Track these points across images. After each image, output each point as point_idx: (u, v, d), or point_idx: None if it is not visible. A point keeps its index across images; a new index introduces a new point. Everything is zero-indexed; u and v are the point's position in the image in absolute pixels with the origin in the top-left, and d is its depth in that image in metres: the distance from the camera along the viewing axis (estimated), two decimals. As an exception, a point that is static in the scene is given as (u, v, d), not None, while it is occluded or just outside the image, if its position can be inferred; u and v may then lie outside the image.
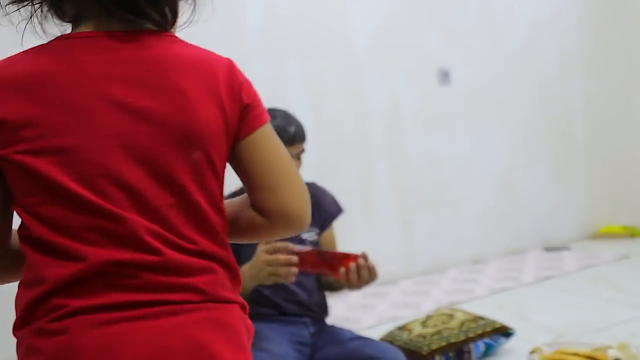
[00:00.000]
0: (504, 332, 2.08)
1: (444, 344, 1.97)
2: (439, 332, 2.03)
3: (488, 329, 2.05)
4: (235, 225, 0.76)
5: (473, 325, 2.06)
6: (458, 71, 3.56)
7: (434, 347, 1.96)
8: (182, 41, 0.73)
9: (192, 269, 0.67)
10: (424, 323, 2.14)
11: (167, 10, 0.70)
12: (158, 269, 0.65)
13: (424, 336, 2.02)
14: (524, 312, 2.53)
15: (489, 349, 2.03)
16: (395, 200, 3.38)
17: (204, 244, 0.69)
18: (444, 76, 3.51)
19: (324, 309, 1.90)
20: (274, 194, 0.74)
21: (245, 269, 1.55)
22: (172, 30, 0.74)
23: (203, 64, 0.72)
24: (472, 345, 1.99)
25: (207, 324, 0.67)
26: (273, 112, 1.75)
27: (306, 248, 1.51)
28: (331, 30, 3.18)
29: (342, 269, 1.53)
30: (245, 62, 3.32)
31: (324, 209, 1.88)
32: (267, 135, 0.76)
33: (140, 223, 0.65)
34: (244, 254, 1.71)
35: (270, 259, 1.47)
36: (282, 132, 1.69)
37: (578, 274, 3.13)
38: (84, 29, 0.68)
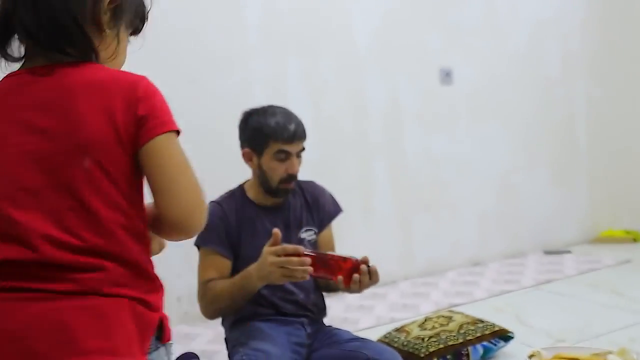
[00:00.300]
0: (503, 335, 2.08)
1: (442, 346, 1.97)
2: (437, 335, 2.03)
3: (487, 332, 2.06)
4: (153, 224, 0.88)
5: (472, 328, 2.07)
6: (460, 71, 3.57)
7: (431, 349, 1.96)
8: (98, 67, 0.86)
9: (76, 264, 0.78)
10: (422, 325, 2.15)
11: (83, 46, 0.84)
12: (39, 264, 0.77)
13: (422, 338, 2.03)
14: (523, 316, 2.54)
15: (487, 352, 2.04)
16: (394, 200, 3.39)
17: (95, 242, 0.79)
18: (446, 76, 3.51)
19: (321, 310, 1.91)
20: (162, 198, 0.84)
21: (252, 269, 1.56)
22: (108, 56, 0.90)
23: (105, 84, 0.82)
24: (470, 348, 2.00)
25: (80, 311, 0.76)
26: (274, 110, 1.75)
27: (306, 251, 1.52)
28: (331, 27, 3.18)
29: (340, 277, 1.53)
30: (245, 59, 3.36)
31: (323, 209, 1.89)
32: (164, 144, 0.84)
33: (34, 225, 0.77)
34: (242, 251, 1.72)
35: (280, 261, 1.48)
36: (282, 130, 1.70)
37: (578, 278, 3.14)
38: (22, 66, 0.86)
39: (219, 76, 2.89)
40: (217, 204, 1.79)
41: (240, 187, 1.85)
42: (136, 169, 0.83)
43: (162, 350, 0.86)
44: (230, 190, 1.85)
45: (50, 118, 0.80)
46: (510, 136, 3.78)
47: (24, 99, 0.82)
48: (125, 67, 2.73)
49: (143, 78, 0.87)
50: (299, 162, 1.78)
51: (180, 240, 0.90)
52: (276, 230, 1.52)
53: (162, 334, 0.85)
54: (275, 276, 1.50)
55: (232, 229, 1.73)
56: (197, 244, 1.75)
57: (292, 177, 1.74)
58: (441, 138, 3.53)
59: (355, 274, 1.54)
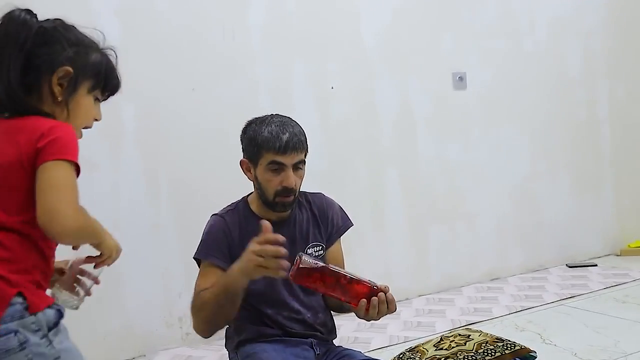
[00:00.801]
0: (525, 355, 2.05)
1: (460, 367, 1.95)
2: (454, 355, 2.01)
3: (507, 352, 2.03)
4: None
5: (491, 347, 2.04)
6: (474, 74, 3.56)
7: (449, 371, 1.94)
8: (30, 118, 1.14)
9: None
10: (438, 345, 2.12)
11: (31, 111, 1.14)
12: None
13: (438, 359, 2.00)
14: (546, 334, 2.51)
15: (508, 374, 2.01)
16: (406, 211, 3.37)
17: None
18: (459, 80, 3.50)
19: (330, 330, 1.89)
20: (37, 205, 1.08)
21: (235, 265, 1.54)
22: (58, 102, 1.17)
23: (22, 127, 1.12)
24: (490, 369, 1.97)
25: None
26: (272, 119, 1.74)
27: (319, 263, 1.49)
28: (339, 29, 3.19)
29: (363, 301, 1.52)
30: (248, 63, 3.36)
31: (331, 223, 1.87)
32: (48, 167, 1.09)
33: None
34: (233, 253, 1.70)
35: (258, 249, 1.45)
36: (274, 140, 1.67)
37: (605, 293, 3.10)
38: None
39: (222, 81, 2.89)
40: (220, 217, 1.78)
41: (244, 200, 1.84)
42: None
43: (29, 319, 1.05)
44: (234, 203, 1.84)
45: None
46: (528, 141, 3.76)
47: None
48: (128, 71, 2.73)
49: (59, 124, 1.13)
50: (300, 175, 1.75)
51: (58, 240, 1.14)
52: (266, 223, 1.49)
53: (27, 305, 1.05)
54: (250, 265, 1.46)
55: (235, 243, 1.71)
56: (197, 258, 1.74)
57: (287, 190, 1.71)
58: (455, 144, 3.51)
59: (373, 298, 1.52)
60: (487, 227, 3.61)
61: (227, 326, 1.77)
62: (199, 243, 1.75)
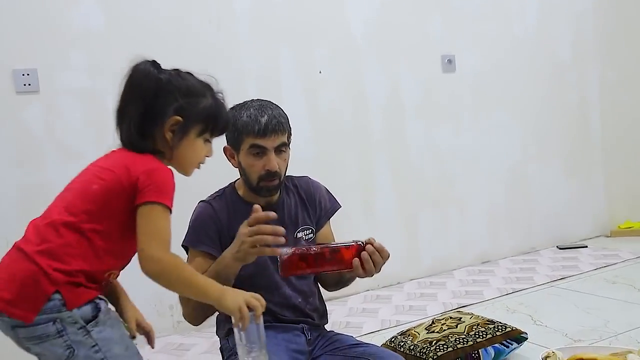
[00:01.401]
0: (516, 336, 2.08)
1: (450, 350, 1.97)
2: (445, 338, 2.03)
3: (499, 334, 2.05)
4: None
5: (482, 329, 2.06)
6: (463, 58, 3.55)
7: (440, 353, 1.96)
8: (142, 156, 1.31)
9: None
10: (429, 328, 2.14)
11: (147, 150, 1.32)
12: None
13: (429, 342, 2.02)
14: (537, 315, 2.54)
15: (499, 355, 2.03)
16: (397, 196, 3.38)
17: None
18: (448, 62, 3.50)
19: (322, 315, 1.90)
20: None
21: (227, 250, 1.55)
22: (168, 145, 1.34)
23: (134, 161, 1.29)
24: (481, 351, 1.99)
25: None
26: (252, 103, 1.73)
27: (313, 247, 1.52)
28: (326, 14, 3.17)
29: (356, 260, 1.56)
30: (234, 51, 3.36)
31: (319, 205, 1.87)
32: (146, 211, 1.23)
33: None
34: (222, 239, 1.71)
35: (252, 230, 1.47)
36: (253, 123, 1.67)
37: (595, 274, 3.13)
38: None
39: (208, 70, 2.86)
40: (207, 204, 1.78)
41: (231, 186, 1.83)
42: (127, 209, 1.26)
43: (65, 313, 1.18)
44: (221, 189, 1.84)
45: (106, 162, 1.36)
46: (519, 126, 3.77)
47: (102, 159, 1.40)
48: (106, 58, 2.70)
49: (161, 168, 1.27)
50: (284, 158, 1.74)
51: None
52: (256, 206, 1.50)
53: (64, 301, 1.18)
54: (245, 248, 1.48)
55: (224, 228, 1.71)
56: (185, 245, 1.74)
57: (271, 174, 1.70)
58: (445, 129, 3.52)
59: (363, 254, 1.56)
60: (478, 210, 3.63)
61: (218, 313, 1.77)
62: (186, 230, 1.75)
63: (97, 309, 1.22)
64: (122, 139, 1.33)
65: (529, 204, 3.81)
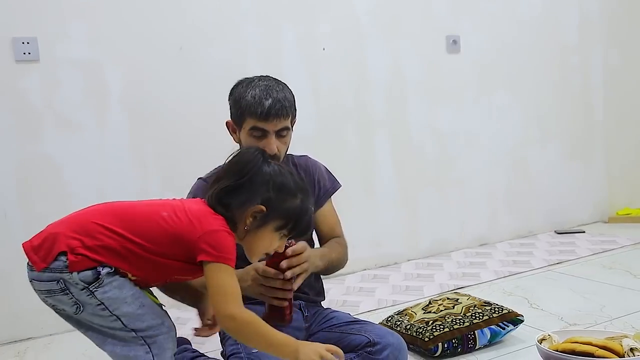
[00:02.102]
0: (512, 319, 2.09)
1: (447, 330, 1.98)
2: (442, 318, 2.04)
3: (495, 316, 2.06)
4: None
5: (479, 311, 2.07)
6: (467, 38, 3.52)
7: (436, 334, 1.97)
8: (214, 216, 1.35)
9: None
10: (426, 308, 2.15)
11: (216, 207, 1.38)
12: None
13: (426, 322, 2.03)
14: (533, 299, 2.55)
15: (495, 337, 2.04)
16: (397, 177, 3.37)
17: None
18: (452, 43, 3.47)
19: (318, 292, 1.91)
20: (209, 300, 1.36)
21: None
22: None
23: (205, 214, 1.35)
24: (477, 333, 2.00)
25: None
26: (258, 82, 1.71)
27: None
28: (330, -10, 3.13)
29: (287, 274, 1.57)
30: (236, 26, 3.32)
31: (318, 184, 1.87)
32: (213, 269, 1.29)
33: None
34: None
35: (262, 280, 1.55)
36: (256, 105, 1.65)
37: (592, 259, 3.14)
38: None
39: (209, 43, 2.85)
40: (203, 181, 1.78)
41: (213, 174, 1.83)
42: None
43: (66, 275, 1.26)
44: (219, 166, 1.83)
45: (182, 204, 1.39)
46: (521, 108, 3.75)
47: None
48: (107, 29, 2.66)
49: (224, 232, 1.31)
50: (285, 142, 1.72)
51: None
52: (263, 267, 1.56)
53: (67, 264, 1.27)
54: (250, 287, 1.55)
55: None
56: None
57: (270, 157, 1.69)
58: (448, 110, 3.50)
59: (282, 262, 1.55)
60: (478, 193, 3.63)
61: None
62: None
63: (98, 273, 1.27)
64: (208, 198, 1.38)
65: (529, 187, 3.81)
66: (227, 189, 1.36)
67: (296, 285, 1.57)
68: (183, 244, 1.29)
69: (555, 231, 3.83)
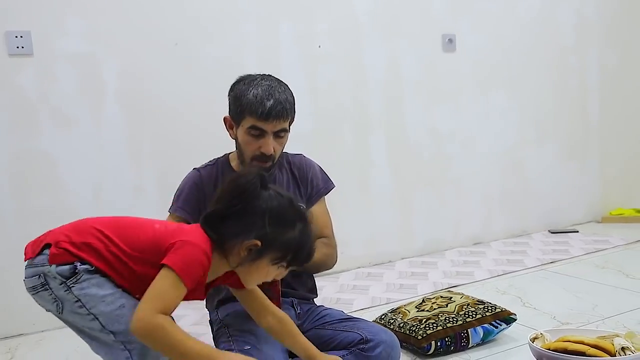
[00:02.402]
0: (505, 317, 2.09)
1: (440, 329, 1.98)
2: (435, 316, 2.04)
3: (488, 314, 2.07)
4: None
5: (472, 309, 2.08)
6: (464, 38, 3.53)
7: (429, 332, 1.97)
8: (201, 233, 1.32)
9: None
10: (419, 306, 2.15)
11: (207, 230, 1.32)
12: None
13: (419, 320, 2.04)
14: (526, 298, 2.56)
15: (488, 335, 2.05)
16: (393, 175, 3.37)
17: None
18: (449, 42, 3.48)
19: (311, 289, 1.91)
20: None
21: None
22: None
23: (189, 231, 1.33)
24: (470, 331, 2.01)
25: None
26: (260, 81, 1.71)
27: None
28: (328, -12, 3.13)
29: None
30: (234, 22, 3.31)
31: (311, 183, 1.88)
32: (162, 272, 1.23)
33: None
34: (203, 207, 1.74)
35: None
36: (257, 105, 1.65)
37: (585, 259, 3.16)
38: None
39: (206, 40, 2.84)
40: (196, 171, 1.81)
41: (225, 157, 1.84)
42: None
43: (46, 267, 1.26)
44: (214, 159, 1.85)
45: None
46: (517, 108, 3.76)
47: None
48: (103, 23, 2.65)
49: (198, 246, 1.26)
50: (282, 142, 1.74)
51: None
52: None
53: (48, 257, 1.27)
54: None
55: (206, 197, 1.72)
56: (169, 211, 1.78)
57: (265, 156, 1.70)
58: (444, 109, 3.50)
59: None
60: (473, 192, 3.64)
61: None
62: (173, 197, 1.80)
63: (75, 267, 1.25)
64: (201, 222, 1.32)
65: (524, 187, 3.82)
66: (221, 215, 1.29)
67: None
68: (161, 250, 1.25)
69: (549, 231, 3.84)
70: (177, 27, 2.78)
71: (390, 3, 3.29)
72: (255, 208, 1.28)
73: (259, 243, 1.27)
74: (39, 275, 1.26)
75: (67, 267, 1.25)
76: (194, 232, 1.28)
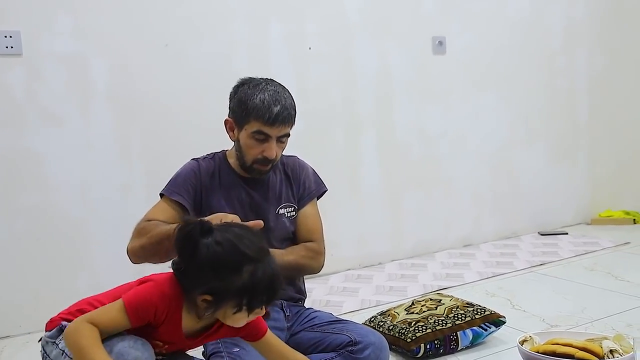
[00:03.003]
0: (495, 320, 2.10)
1: (429, 331, 1.98)
2: (424, 319, 2.04)
3: (477, 317, 2.07)
4: None
5: (461, 312, 2.08)
6: (454, 39, 3.54)
7: (418, 334, 1.97)
8: (168, 282, 1.31)
9: None
10: (409, 309, 2.15)
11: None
12: None
13: (408, 323, 2.04)
14: (515, 300, 2.56)
15: (477, 338, 2.05)
16: (383, 176, 3.38)
17: None
18: (439, 44, 3.48)
19: (299, 290, 1.91)
20: None
21: None
22: None
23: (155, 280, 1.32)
24: (459, 334, 2.01)
25: None
26: (266, 86, 1.72)
27: None
28: (318, -12, 3.13)
29: None
30: (223, 21, 3.31)
31: (303, 185, 1.88)
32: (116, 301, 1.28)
33: None
34: (211, 214, 1.73)
35: None
36: (265, 110, 1.66)
37: (574, 261, 3.17)
38: None
39: (195, 40, 2.83)
40: (194, 161, 1.84)
41: (223, 153, 1.85)
42: None
43: (43, 339, 1.33)
44: (212, 153, 1.86)
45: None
46: (507, 110, 3.77)
47: None
48: (93, 22, 2.63)
49: (149, 281, 1.29)
50: (282, 147, 1.76)
51: None
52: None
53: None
54: None
55: (202, 187, 1.75)
56: (161, 193, 1.77)
57: (267, 160, 1.72)
58: (434, 110, 3.51)
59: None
60: (463, 193, 3.65)
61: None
62: (168, 181, 1.79)
63: (61, 327, 1.29)
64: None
65: (514, 188, 3.84)
66: (178, 266, 1.28)
67: None
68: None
69: (538, 232, 3.86)
70: (167, 26, 2.77)
71: (380, 4, 3.29)
72: (196, 261, 1.22)
73: (208, 298, 1.23)
74: (41, 349, 1.32)
75: (55, 328, 1.30)
76: (164, 276, 1.28)
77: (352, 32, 3.23)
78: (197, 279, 1.23)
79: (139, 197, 2.69)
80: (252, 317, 1.29)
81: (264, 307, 1.29)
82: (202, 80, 2.79)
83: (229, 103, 1.80)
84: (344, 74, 3.22)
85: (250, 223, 1.39)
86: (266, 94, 1.69)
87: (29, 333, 2.50)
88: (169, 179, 1.80)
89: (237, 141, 1.77)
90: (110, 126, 2.67)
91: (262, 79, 1.77)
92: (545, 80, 3.90)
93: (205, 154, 1.86)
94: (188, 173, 1.77)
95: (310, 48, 3.11)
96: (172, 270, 1.29)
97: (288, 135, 1.76)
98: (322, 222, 1.95)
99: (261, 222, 1.43)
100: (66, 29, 2.56)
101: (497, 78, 3.72)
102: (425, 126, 3.49)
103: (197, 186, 1.75)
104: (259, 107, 1.68)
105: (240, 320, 1.28)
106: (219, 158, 1.83)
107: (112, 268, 2.68)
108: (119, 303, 1.24)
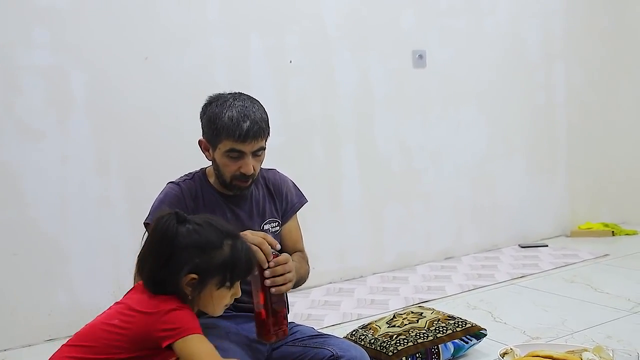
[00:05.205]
0: (476, 332, 2.11)
1: (411, 344, 1.99)
2: (406, 332, 2.05)
3: (459, 330, 2.08)
4: None
5: (443, 325, 2.09)
6: (434, 53, 3.58)
7: (400, 348, 1.98)
8: (162, 298, 1.33)
9: None
10: (390, 322, 2.16)
11: (157, 289, 1.33)
12: None
13: (390, 336, 2.04)
14: (496, 312, 2.58)
15: (458, 351, 2.06)
16: (363, 189, 3.39)
17: None
18: (419, 57, 3.52)
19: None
20: None
21: None
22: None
23: (155, 304, 1.31)
24: (441, 347, 2.02)
25: None
26: (234, 102, 1.70)
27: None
28: (299, 3, 3.15)
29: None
30: (203, 35, 3.31)
31: (285, 199, 1.88)
32: (186, 345, 1.28)
33: None
34: None
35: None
36: (234, 128, 1.65)
37: (554, 273, 3.21)
38: None
39: (175, 53, 2.83)
40: (176, 185, 1.77)
41: (202, 171, 1.83)
42: None
43: None
44: (191, 173, 1.82)
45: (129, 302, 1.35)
46: (486, 123, 3.82)
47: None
48: (70, 35, 2.62)
49: (166, 311, 1.29)
50: (260, 160, 1.74)
51: None
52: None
53: None
54: None
55: (189, 211, 1.69)
56: (146, 223, 1.71)
57: (245, 176, 1.71)
58: (414, 124, 3.54)
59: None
60: (443, 206, 3.67)
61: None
62: (150, 209, 1.73)
63: None
64: (143, 282, 1.36)
65: (494, 201, 3.87)
66: (155, 267, 1.33)
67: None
68: (144, 338, 1.28)
69: (519, 245, 3.89)
70: (146, 39, 2.77)
71: (361, 18, 3.33)
72: (179, 246, 1.32)
73: (195, 276, 1.31)
74: None
75: None
76: (155, 301, 1.31)
77: (332, 46, 3.25)
78: (182, 263, 1.31)
79: (117, 212, 2.67)
80: (235, 294, 1.38)
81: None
82: (182, 94, 2.79)
83: (200, 123, 1.79)
84: (325, 87, 3.25)
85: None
86: (234, 111, 1.67)
87: (5, 350, 2.45)
88: (151, 207, 1.75)
89: (213, 160, 1.76)
90: (88, 140, 2.65)
91: (230, 94, 1.75)
92: (524, 94, 3.96)
93: (182, 176, 1.81)
94: (172, 199, 1.73)
95: (291, 61, 3.13)
96: (145, 286, 1.33)
97: (263, 148, 1.74)
98: (303, 235, 1.96)
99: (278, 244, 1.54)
100: (43, 42, 2.55)
101: (477, 92, 3.76)
102: (406, 139, 3.51)
103: (184, 211, 1.72)
104: (228, 126, 1.66)
105: (223, 298, 1.36)
106: (199, 178, 1.81)
107: (89, 284, 2.66)
108: (189, 339, 1.26)
